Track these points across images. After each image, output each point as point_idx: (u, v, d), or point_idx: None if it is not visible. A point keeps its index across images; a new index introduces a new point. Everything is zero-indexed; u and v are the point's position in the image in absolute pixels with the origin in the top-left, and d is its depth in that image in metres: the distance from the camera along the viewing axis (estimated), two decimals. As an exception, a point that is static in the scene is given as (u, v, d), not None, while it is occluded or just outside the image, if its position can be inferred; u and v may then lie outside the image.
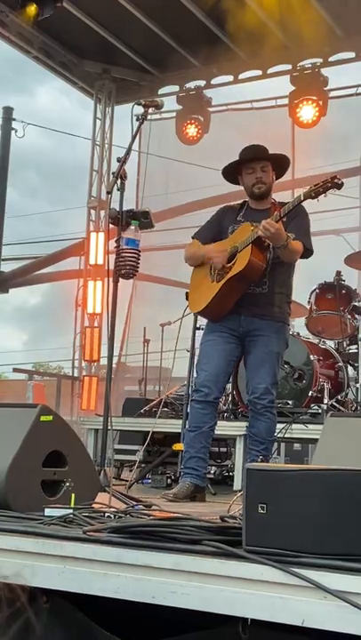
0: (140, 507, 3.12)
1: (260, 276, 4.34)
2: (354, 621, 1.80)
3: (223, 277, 4.36)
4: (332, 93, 9.45)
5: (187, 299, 5.77)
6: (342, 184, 4.09)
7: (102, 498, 3.11)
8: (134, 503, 3.19)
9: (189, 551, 2.09)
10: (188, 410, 5.86)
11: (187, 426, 4.47)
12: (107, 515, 2.65)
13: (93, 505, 2.89)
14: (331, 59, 9.06)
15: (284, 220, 4.21)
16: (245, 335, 4.42)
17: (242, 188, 4.62)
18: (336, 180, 4.05)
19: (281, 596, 1.90)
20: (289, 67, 9.23)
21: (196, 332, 6.09)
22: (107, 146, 10.45)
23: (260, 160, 4.45)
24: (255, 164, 4.44)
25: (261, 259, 4.28)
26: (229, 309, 4.40)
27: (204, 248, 4.53)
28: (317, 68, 9.04)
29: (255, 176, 4.45)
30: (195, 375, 4.53)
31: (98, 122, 10.46)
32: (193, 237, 4.69)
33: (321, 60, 9.05)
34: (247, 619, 1.99)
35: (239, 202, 4.68)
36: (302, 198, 4.13)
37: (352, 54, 8.96)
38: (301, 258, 4.41)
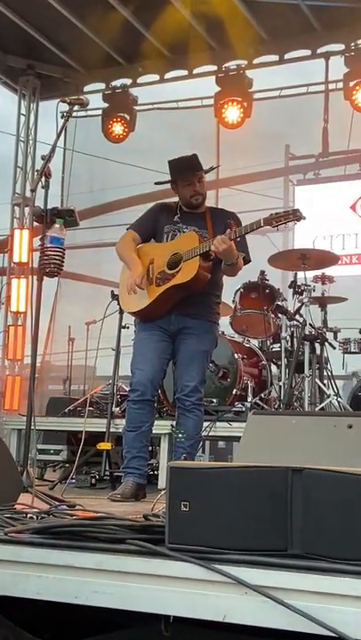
0: (64, 507, 3.10)
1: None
2: (274, 615, 1.84)
3: (165, 283, 4.37)
4: (257, 95, 9.55)
5: (112, 297, 5.78)
6: (304, 218, 4.19)
7: (25, 498, 3.08)
8: (57, 503, 3.16)
9: (112, 550, 2.09)
10: (115, 409, 5.89)
11: (125, 426, 4.47)
12: (29, 516, 2.62)
13: (15, 506, 2.85)
14: (255, 61, 9.13)
15: (238, 240, 4.25)
16: (176, 334, 4.46)
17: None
18: (298, 214, 4.16)
19: (203, 593, 1.92)
20: (214, 68, 9.28)
21: (122, 330, 6.10)
22: (31, 142, 10.30)
23: (196, 172, 4.48)
24: (193, 177, 4.48)
25: (208, 271, 4.34)
26: (164, 312, 4.43)
27: (131, 260, 4.49)
28: (242, 69, 9.12)
29: (193, 189, 4.50)
30: (130, 374, 4.53)
31: (22, 118, 10.31)
32: (128, 229, 4.68)
33: (246, 63, 9.13)
34: (169, 616, 2.01)
35: (175, 200, 4.70)
36: (262, 224, 4.19)
37: (276, 57, 9.06)
38: None
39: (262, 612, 1.85)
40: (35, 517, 2.59)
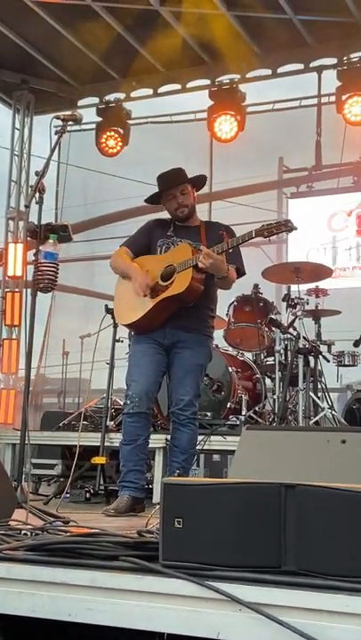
0: (58, 523, 3.09)
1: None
2: (268, 632, 1.83)
3: (158, 295, 4.38)
4: (250, 108, 9.60)
5: (106, 311, 5.79)
6: (296, 229, 4.20)
7: (19, 514, 3.08)
8: (52, 519, 3.16)
9: (106, 567, 2.08)
10: (109, 423, 5.89)
11: (122, 439, 4.46)
12: (23, 532, 2.62)
13: (10, 522, 2.85)
14: (248, 75, 9.20)
15: (230, 251, 4.27)
16: (171, 347, 4.46)
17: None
18: (290, 225, 4.19)
19: (197, 610, 1.92)
20: (208, 82, 9.34)
21: (116, 344, 6.11)
22: (25, 156, 10.34)
23: (178, 185, 4.50)
24: (175, 190, 4.50)
25: (201, 282, 4.34)
26: (158, 325, 4.44)
27: (129, 266, 4.53)
28: (235, 84, 9.18)
29: (176, 201, 4.51)
30: (125, 387, 4.53)
31: (16, 132, 10.35)
32: (122, 245, 4.70)
33: (239, 77, 9.19)
34: (164, 633, 2.00)
35: (168, 215, 4.72)
36: (253, 235, 4.20)
37: (269, 71, 9.13)
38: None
39: (256, 629, 1.84)
40: (29, 534, 2.59)
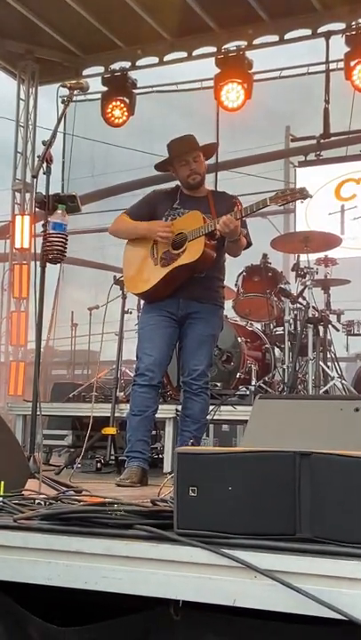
0: (71, 492, 3.11)
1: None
2: (283, 599, 1.84)
3: (170, 263, 4.36)
4: (257, 76, 9.48)
5: (115, 282, 5.78)
6: (310, 197, 4.19)
7: (32, 484, 3.09)
8: (65, 489, 3.17)
9: (121, 536, 2.10)
10: (119, 394, 5.90)
11: (130, 410, 4.47)
12: (37, 501, 2.63)
13: (23, 492, 2.86)
14: (255, 42, 9.06)
15: (243, 219, 4.25)
16: (184, 318, 4.45)
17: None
18: (305, 193, 4.16)
19: (212, 577, 1.93)
20: (214, 49, 9.21)
21: (125, 315, 6.11)
22: (31, 127, 10.25)
23: (192, 151, 4.46)
24: (188, 156, 4.45)
25: (213, 250, 4.32)
26: (170, 294, 4.42)
27: (144, 223, 4.49)
28: (242, 50, 9.05)
29: (189, 168, 4.46)
30: (136, 359, 4.52)
31: (22, 103, 10.26)
32: (125, 213, 4.65)
33: (245, 43, 9.06)
34: (179, 600, 2.02)
35: (172, 186, 4.67)
36: (268, 203, 4.18)
37: (276, 37, 8.99)
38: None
39: (272, 596, 1.85)
40: (43, 503, 2.60)
